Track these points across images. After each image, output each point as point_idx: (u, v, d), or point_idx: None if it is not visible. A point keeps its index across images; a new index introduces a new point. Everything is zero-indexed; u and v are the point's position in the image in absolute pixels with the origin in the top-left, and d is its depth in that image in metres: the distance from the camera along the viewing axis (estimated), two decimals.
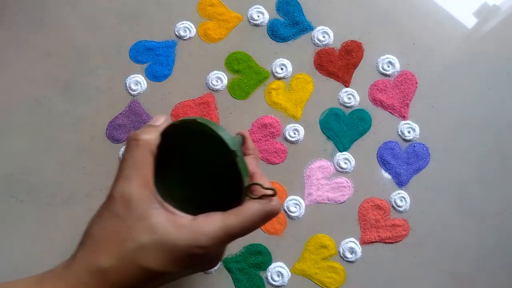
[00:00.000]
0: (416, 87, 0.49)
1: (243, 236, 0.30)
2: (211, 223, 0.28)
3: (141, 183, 0.28)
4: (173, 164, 0.32)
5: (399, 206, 0.46)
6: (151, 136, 0.30)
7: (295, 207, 0.46)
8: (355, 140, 0.48)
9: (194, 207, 0.31)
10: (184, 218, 0.28)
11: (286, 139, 0.48)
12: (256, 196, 0.30)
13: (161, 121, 0.32)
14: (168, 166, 0.32)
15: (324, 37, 0.51)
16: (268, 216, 0.29)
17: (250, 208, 0.29)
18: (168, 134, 0.31)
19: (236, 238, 0.29)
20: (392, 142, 0.48)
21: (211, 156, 0.31)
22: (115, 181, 0.29)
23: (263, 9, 0.52)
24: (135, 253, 0.27)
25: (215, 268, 0.43)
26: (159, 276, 0.28)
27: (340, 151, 0.48)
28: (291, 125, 0.49)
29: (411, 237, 0.46)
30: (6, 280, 0.46)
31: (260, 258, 0.45)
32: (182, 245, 0.27)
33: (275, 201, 0.30)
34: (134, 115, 0.50)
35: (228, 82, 0.50)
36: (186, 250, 0.27)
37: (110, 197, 0.29)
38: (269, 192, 0.30)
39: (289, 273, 0.45)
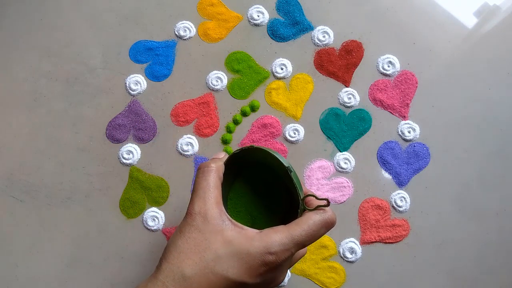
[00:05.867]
0: (416, 87, 0.49)
1: (309, 245, 0.32)
2: (277, 233, 0.31)
3: (213, 202, 0.32)
4: (237, 187, 0.37)
5: (399, 206, 0.46)
6: (218, 164, 0.35)
7: None
8: (355, 140, 0.48)
9: (257, 224, 0.36)
10: (252, 231, 0.31)
11: (286, 139, 0.48)
12: (311, 208, 0.32)
13: (223, 155, 0.37)
14: (233, 189, 0.37)
15: (324, 37, 0.51)
16: (328, 225, 0.32)
17: (311, 217, 0.32)
18: (231, 162, 0.35)
19: (302, 247, 0.31)
20: (392, 142, 0.48)
21: (268, 176, 0.36)
22: (191, 201, 0.33)
23: (263, 9, 0.52)
24: (214, 262, 0.30)
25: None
26: (236, 286, 0.30)
27: (340, 151, 0.48)
28: (291, 125, 0.49)
29: (411, 237, 0.46)
30: (5, 280, 0.46)
31: None
32: (255, 253, 0.30)
33: (330, 210, 0.32)
34: (134, 115, 0.50)
35: (228, 82, 0.50)
36: (259, 257, 0.30)
37: (189, 214, 0.32)
38: (323, 202, 0.32)
39: (289, 273, 0.45)
